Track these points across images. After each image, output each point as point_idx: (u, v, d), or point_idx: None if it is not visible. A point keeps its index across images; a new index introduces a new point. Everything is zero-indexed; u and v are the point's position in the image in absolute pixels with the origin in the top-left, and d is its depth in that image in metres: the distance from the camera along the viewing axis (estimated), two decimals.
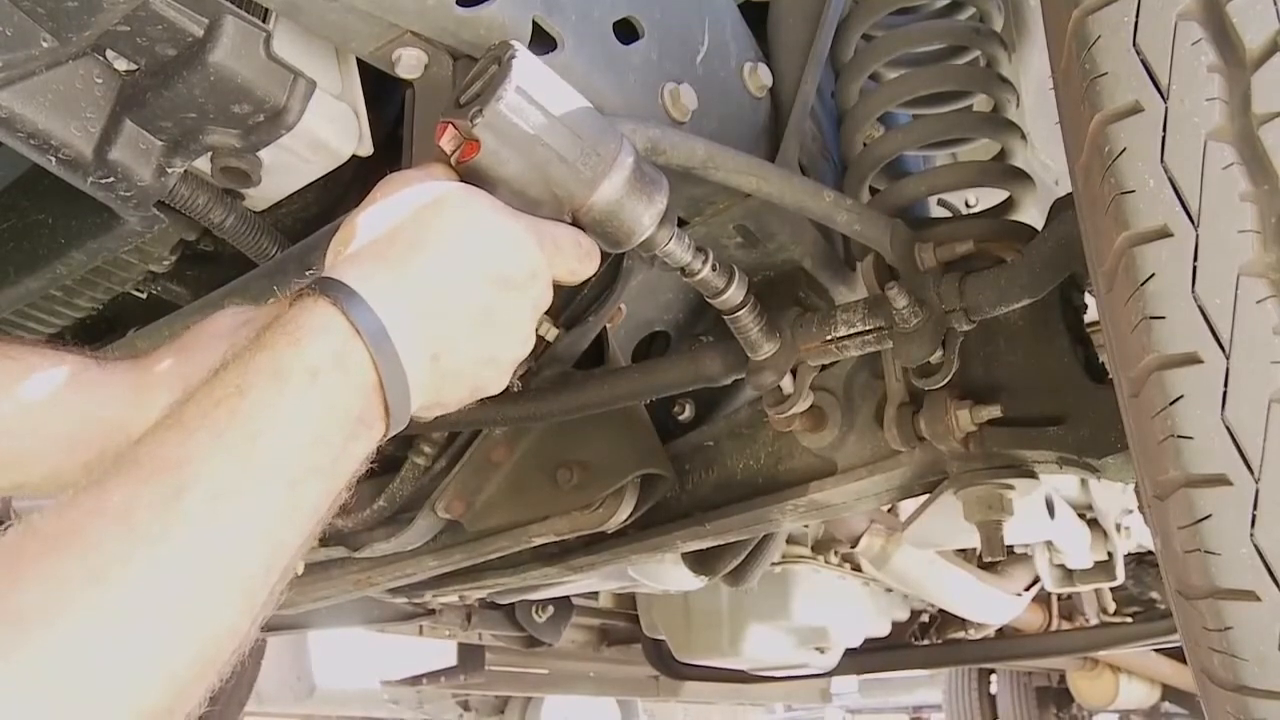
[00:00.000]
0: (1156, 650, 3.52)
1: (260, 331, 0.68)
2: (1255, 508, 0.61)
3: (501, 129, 0.77)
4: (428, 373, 0.73)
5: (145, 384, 0.88)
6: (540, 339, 1.15)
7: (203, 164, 0.94)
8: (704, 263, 0.94)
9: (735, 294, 0.98)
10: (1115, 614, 3.06)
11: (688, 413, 1.43)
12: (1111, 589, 2.95)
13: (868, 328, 1.01)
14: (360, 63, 0.96)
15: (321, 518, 0.68)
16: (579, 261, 0.84)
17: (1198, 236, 0.64)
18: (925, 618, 3.23)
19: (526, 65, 0.79)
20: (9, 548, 0.54)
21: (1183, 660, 0.74)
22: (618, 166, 0.82)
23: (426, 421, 0.87)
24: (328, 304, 0.68)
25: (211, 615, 0.58)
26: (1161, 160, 0.65)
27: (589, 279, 0.88)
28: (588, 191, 0.81)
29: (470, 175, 0.79)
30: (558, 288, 0.84)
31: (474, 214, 0.77)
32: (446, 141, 0.80)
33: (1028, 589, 2.61)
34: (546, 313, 1.12)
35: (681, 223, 1.08)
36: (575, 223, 0.83)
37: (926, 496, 1.20)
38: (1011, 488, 1.12)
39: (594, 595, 3.14)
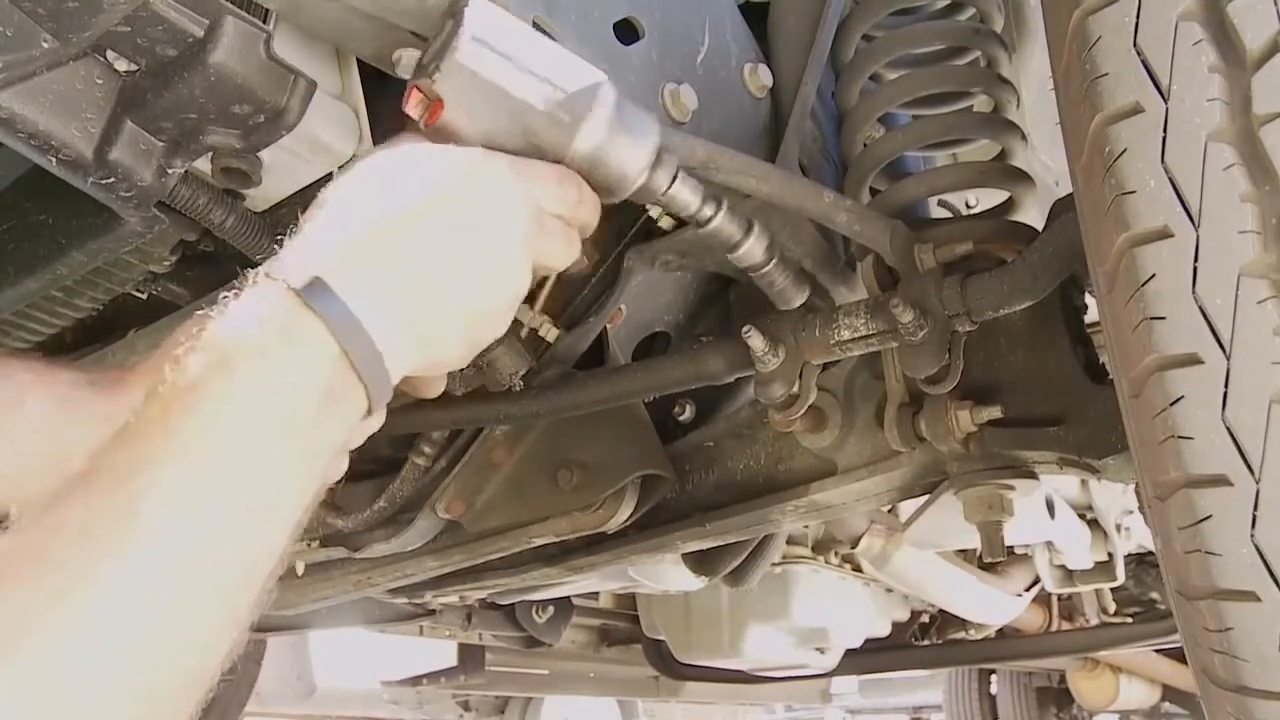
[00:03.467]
0: (1157, 650, 3.52)
1: (207, 323, 0.65)
2: (1256, 508, 0.61)
3: (462, 82, 0.74)
4: (403, 334, 0.69)
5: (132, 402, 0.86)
6: (540, 339, 1.15)
7: (203, 164, 0.94)
8: (716, 209, 0.87)
9: (755, 246, 0.91)
10: (1115, 614, 3.06)
11: (688, 413, 1.43)
12: (1112, 589, 2.95)
13: (870, 332, 1.01)
14: (361, 62, 0.96)
15: (307, 503, 0.65)
16: (560, 186, 0.79)
17: (1198, 237, 0.64)
18: (925, 618, 3.23)
19: (481, 12, 0.76)
20: None
21: (1183, 660, 0.74)
22: (597, 107, 0.78)
23: (435, 390, 0.85)
24: (268, 281, 0.65)
25: (188, 625, 0.56)
26: (1162, 161, 0.65)
27: (587, 281, 0.86)
28: (568, 138, 0.77)
29: (441, 137, 0.76)
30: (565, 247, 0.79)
31: (428, 156, 0.73)
32: (413, 107, 0.76)
33: (1028, 589, 2.61)
34: (547, 313, 1.13)
35: (681, 223, 1.08)
36: None
37: (927, 497, 1.20)
38: (1012, 488, 1.12)
39: (594, 596, 3.14)
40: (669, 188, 0.83)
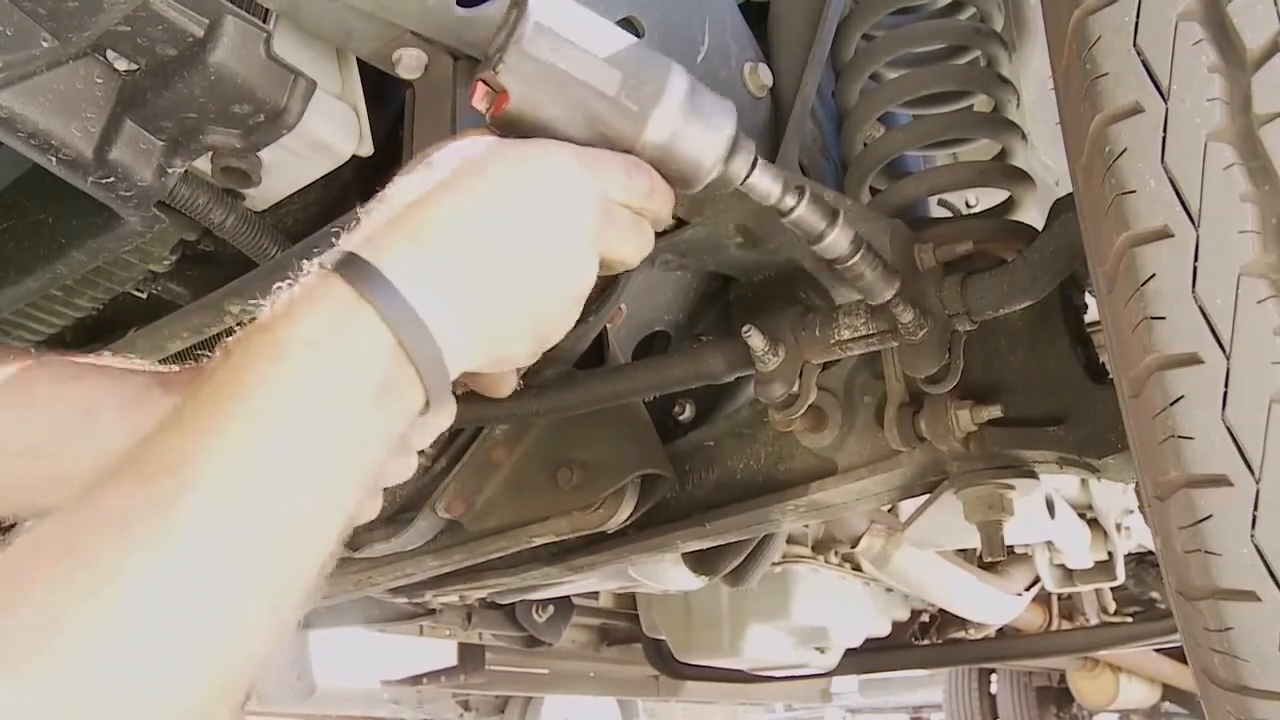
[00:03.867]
0: (1157, 650, 3.52)
1: (260, 313, 0.64)
2: (1256, 508, 0.61)
3: (526, 71, 0.72)
4: (464, 329, 0.67)
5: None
6: None
7: (203, 164, 0.94)
8: (799, 198, 0.83)
9: (840, 238, 0.86)
10: (1115, 614, 3.06)
11: (688, 413, 1.43)
12: (1112, 589, 2.95)
13: (871, 331, 1.01)
14: (361, 62, 0.96)
15: (357, 500, 0.63)
16: (630, 177, 0.76)
17: (1198, 237, 0.64)
18: (925, 618, 3.23)
19: (545, 1, 0.74)
20: (8, 562, 0.50)
21: (1183, 660, 0.74)
22: (668, 94, 0.75)
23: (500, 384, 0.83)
24: (325, 272, 0.64)
25: (226, 629, 0.53)
26: (1162, 161, 0.65)
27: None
28: (638, 127, 0.74)
29: (508, 129, 0.74)
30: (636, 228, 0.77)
31: (494, 149, 0.72)
32: (479, 100, 0.75)
33: (1028, 589, 2.61)
34: None
35: (681, 223, 1.08)
36: None
37: (927, 496, 1.20)
38: (1012, 488, 1.12)
39: (594, 595, 3.14)
40: (748, 175, 0.80)
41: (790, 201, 0.82)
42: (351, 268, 0.63)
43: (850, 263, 0.89)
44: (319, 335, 0.61)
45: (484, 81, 0.74)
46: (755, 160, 0.80)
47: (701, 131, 0.76)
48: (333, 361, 0.61)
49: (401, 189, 0.71)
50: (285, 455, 0.58)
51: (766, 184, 0.81)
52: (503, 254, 0.69)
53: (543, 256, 0.72)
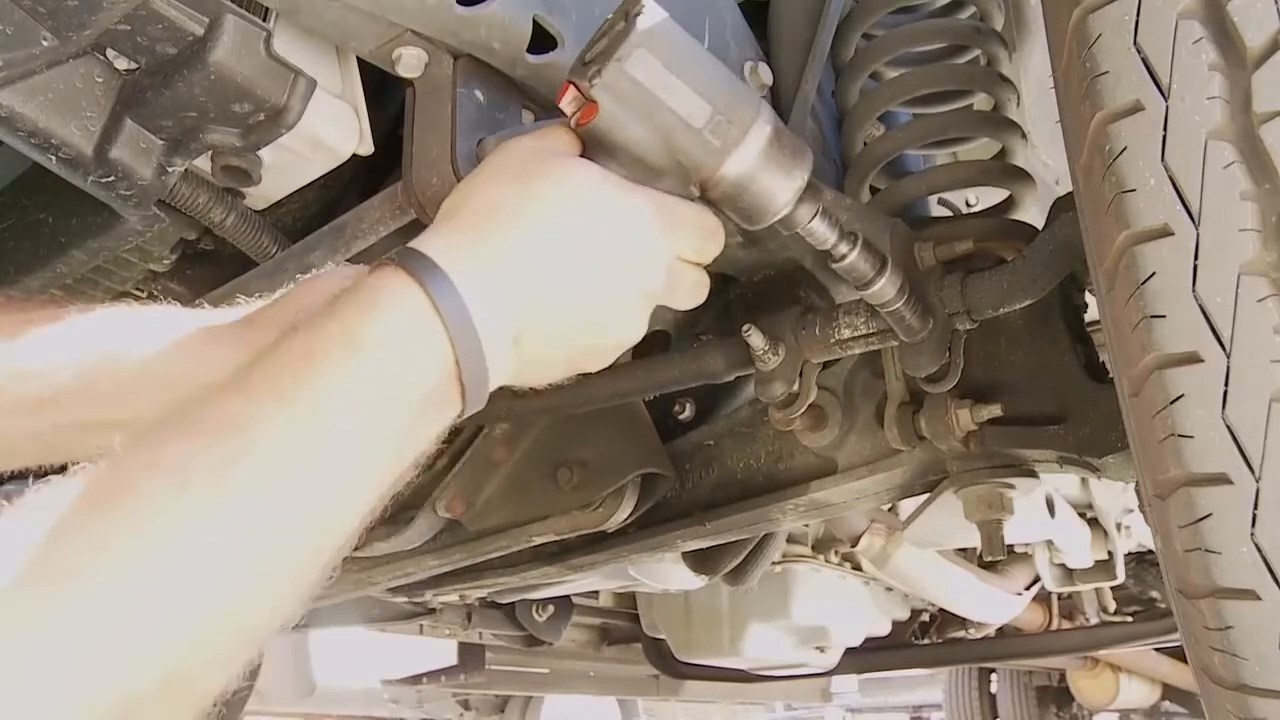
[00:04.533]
0: (1157, 649, 3.52)
1: (335, 298, 0.65)
2: (1256, 507, 0.61)
3: (621, 91, 0.72)
4: (514, 355, 0.70)
5: (253, 345, 0.81)
6: None
7: (203, 163, 0.94)
8: (852, 246, 0.84)
9: (888, 286, 0.88)
10: (1115, 613, 3.06)
11: (688, 412, 1.43)
12: (1112, 588, 2.95)
13: (871, 331, 1.01)
14: (361, 61, 0.96)
15: (383, 495, 0.65)
16: (703, 240, 0.78)
17: (1198, 235, 0.64)
18: (925, 617, 3.22)
19: (653, 21, 0.73)
20: (61, 497, 0.52)
21: (1183, 659, 0.74)
22: (752, 136, 0.74)
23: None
24: (405, 276, 0.65)
25: (256, 587, 0.56)
26: (1162, 159, 0.65)
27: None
28: (716, 162, 0.74)
29: (589, 140, 0.75)
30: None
31: (583, 186, 0.72)
32: (567, 103, 0.74)
33: (1028, 588, 2.60)
34: None
35: None
36: (703, 195, 0.77)
37: (927, 496, 1.20)
38: (1012, 487, 1.12)
39: (594, 594, 3.13)
40: (810, 222, 0.80)
41: (844, 249, 0.83)
42: (432, 279, 0.65)
43: (894, 308, 0.91)
44: (391, 337, 0.63)
45: (575, 86, 0.74)
46: (820, 207, 0.80)
47: (776, 177, 0.76)
48: (399, 365, 0.63)
49: (488, 195, 0.72)
50: (341, 440, 0.60)
51: (825, 230, 0.82)
52: (570, 294, 0.72)
53: (606, 304, 0.74)
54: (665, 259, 0.76)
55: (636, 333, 0.77)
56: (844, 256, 0.84)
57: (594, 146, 0.75)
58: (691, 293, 0.82)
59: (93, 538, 0.50)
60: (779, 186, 0.76)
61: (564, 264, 0.71)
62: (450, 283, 0.65)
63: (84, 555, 0.50)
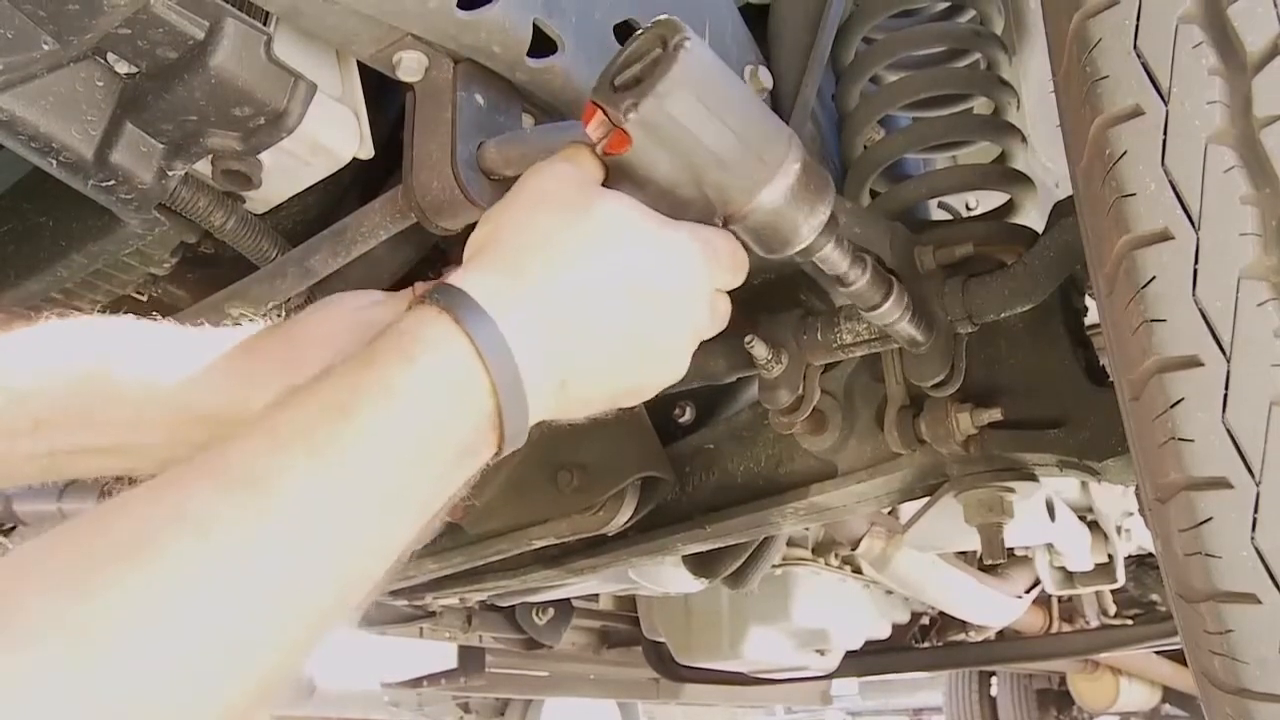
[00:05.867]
0: (1157, 652, 3.51)
1: (372, 341, 0.62)
2: (1256, 511, 0.61)
3: (658, 126, 0.70)
4: (553, 397, 0.67)
5: (252, 374, 0.81)
6: None
7: (203, 167, 0.94)
8: (862, 272, 0.85)
9: (893, 309, 0.89)
10: (1116, 616, 3.06)
11: (688, 415, 1.43)
12: (1112, 591, 2.94)
13: (873, 335, 1.01)
14: (361, 65, 0.96)
15: (410, 542, 0.63)
16: (735, 271, 0.77)
17: (1198, 240, 0.64)
18: (926, 620, 3.22)
19: (695, 57, 0.70)
20: (79, 544, 0.50)
21: (1183, 662, 0.74)
22: (782, 174, 0.74)
23: None
24: (448, 320, 0.62)
25: (279, 645, 0.53)
26: (1162, 163, 0.65)
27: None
28: (745, 199, 0.74)
29: (616, 169, 0.73)
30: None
31: (626, 222, 0.70)
32: (594, 128, 0.72)
33: (1028, 591, 2.60)
34: None
35: None
36: (725, 223, 0.77)
37: (927, 499, 1.20)
38: (1012, 490, 1.12)
39: (594, 597, 3.13)
40: (824, 249, 0.80)
41: (854, 275, 0.84)
42: (476, 322, 0.62)
43: (898, 326, 0.92)
44: (431, 387, 0.60)
45: (603, 110, 0.71)
46: (835, 237, 0.80)
47: (801, 212, 0.76)
48: (438, 416, 0.61)
49: (533, 221, 0.69)
50: (373, 495, 0.58)
51: (838, 258, 0.82)
52: (620, 337, 0.70)
53: (654, 346, 0.72)
54: (708, 294, 0.75)
55: (680, 370, 0.76)
56: (852, 283, 0.85)
57: (620, 175, 0.73)
58: (720, 321, 0.80)
59: (112, 595, 0.48)
60: (803, 220, 0.76)
61: (611, 303, 0.68)
62: (494, 326, 0.62)
63: (109, 615, 0.48)
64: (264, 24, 0.86)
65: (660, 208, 0.73)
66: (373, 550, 0.59)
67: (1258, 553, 0.61)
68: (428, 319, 0.62)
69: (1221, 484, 0.62)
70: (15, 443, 0.77)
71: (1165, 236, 0.65)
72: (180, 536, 0.51)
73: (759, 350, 1.01)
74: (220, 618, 0.50)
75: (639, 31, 0.74)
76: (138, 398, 0.79)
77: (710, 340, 0.79)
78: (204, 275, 1.22)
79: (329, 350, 0.77)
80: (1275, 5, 0.64)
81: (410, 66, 0.88)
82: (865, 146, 1.21)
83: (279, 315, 1.09)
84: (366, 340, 0.64)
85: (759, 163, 0.73)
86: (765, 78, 1.13)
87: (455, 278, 0.66)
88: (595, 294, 0.68)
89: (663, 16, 0.73)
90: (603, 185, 0.75)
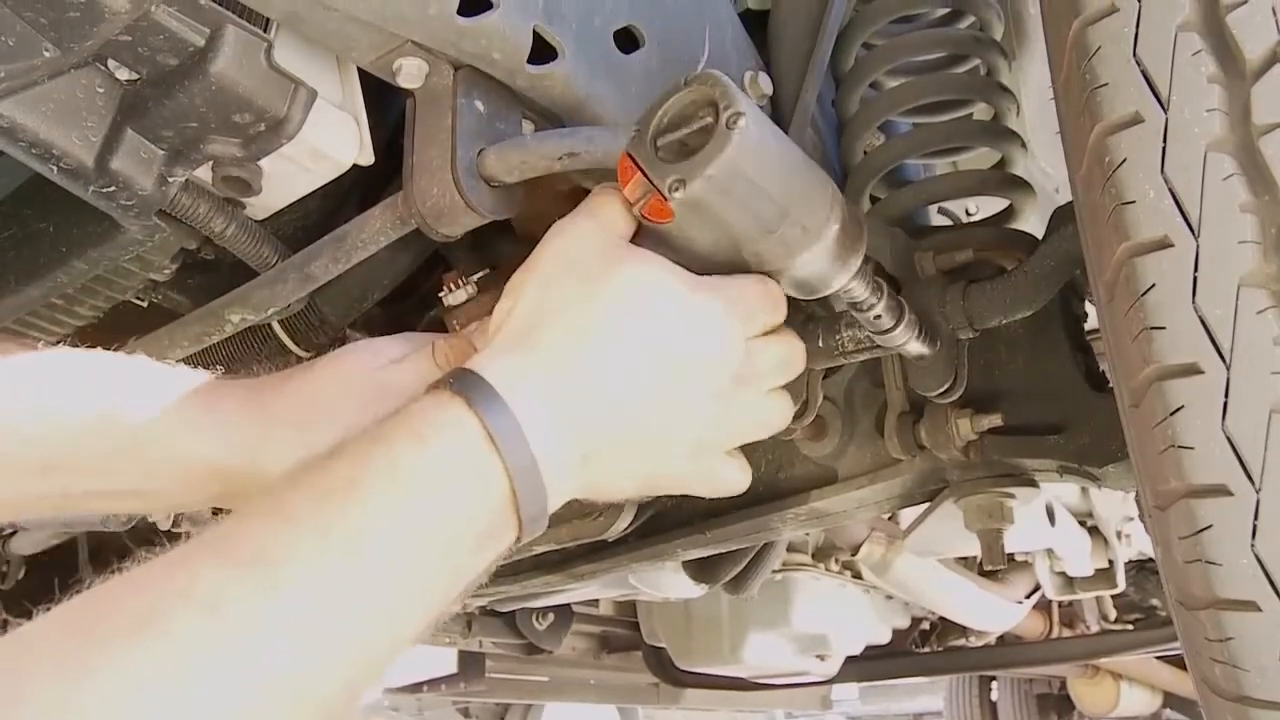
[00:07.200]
0: (1158, 657, 3.51)
1: (384, 419, 0.61)
2: (1256, 518, 0.61)
3: (705, 205, 0.68)
4: (576, 474, 0.66)
5: (265, 429, 0.81)
6: None
7: (203, 173, 0.94)
8: (880, 300, 0.85)
9: (904, 333, 0.90)
10: (1116, 621, 3.06)
11: None
12: (1112, 596, 2.94)
13: (875, 342, 1.01)
14: (361, 71, 0.96)
15: (430, 626, 0.62)
16: (769, 315, 0.76)
17: (1198, 247, 0.64)
18: (926, 625, 3.22)
19: (751, 134, 0.67)
20: (84, 620, 0.50)
21: (1184, 667, 0.74)
22: (822, 238, 0.73)
23: None
24: (460, 402, 0.61)
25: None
26: (1162, 171, 0.65)
27: None
28: (784, 262, 0.73)
29: (648, 230, 0.71)
30: None
31: (654, 289, 0.68)
32: (631, 189, 0.70)
33: (1028, 596, 2.60)
34: None
35: None
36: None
37: (927, 505, 1.20)
38: (1012, 496, 1.12)
39: (594, 602, 3.13)
40: (849, 283, 0.80)
41: (873, 301, 0.84)
42: (488, 405, 0.61)
43: (906, 345, 0.93)
44: (442, 473, 0.60)
45: (643, 172, 0.69)
46: (864, 273, 0.80)
47: (837, 265, 0.76)
48: (450, 503, 0.60)
49: (553, 290, 0.67)
50: (385, 581, 0.57)
51: (860, 289, 0.82)
52: (644, 409, 0.68)
53: (687, 418, 0.70)
54: (743, 349, 0.73)
55: (740, 435, 0.75)
56: (870, 308, 0.85)
57: (653, 237, 0.71)
58: (783, 367, 0.79)
59: (123, 675, 0.47)
60: (838, 272, 0.77)
61: (634, 373, 0.67)
62: (507, 409, 0.61)
63: (114, 698, 0.47)
64: (264, 31, 0.86)
65: (691, 267, 0.71)
66: (385, 635, 0.58)
67: (1258, 560, 0.61)
68: (440, 401, 0.62)
69: (1221, 491, 0.62)
70: (25, 484, 0.76)
71: (1165, 244, 0.65)
72: (187, 616, 0.50)
73: None
74: (227, 697, 0.49)
75: (684, 80, 0.71)
76: (150, 447, 0.79)
77: None
78: (204, 281, 1.22)
79: (344, 413, 0.76)
80: (1274, 14, 0.64)
81: (410, 73, 0.88)
82: (865, 152, 1.21)
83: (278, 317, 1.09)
84: (381, 407, 0.63)
85: (801, 232, 0.72)
86: (765, 83, 1.13)
87: (472, 360, 0.65)
88: (616, 364, 0.66)
89: (711, 73, 0.70)
90: (631, 241, 0.72)
